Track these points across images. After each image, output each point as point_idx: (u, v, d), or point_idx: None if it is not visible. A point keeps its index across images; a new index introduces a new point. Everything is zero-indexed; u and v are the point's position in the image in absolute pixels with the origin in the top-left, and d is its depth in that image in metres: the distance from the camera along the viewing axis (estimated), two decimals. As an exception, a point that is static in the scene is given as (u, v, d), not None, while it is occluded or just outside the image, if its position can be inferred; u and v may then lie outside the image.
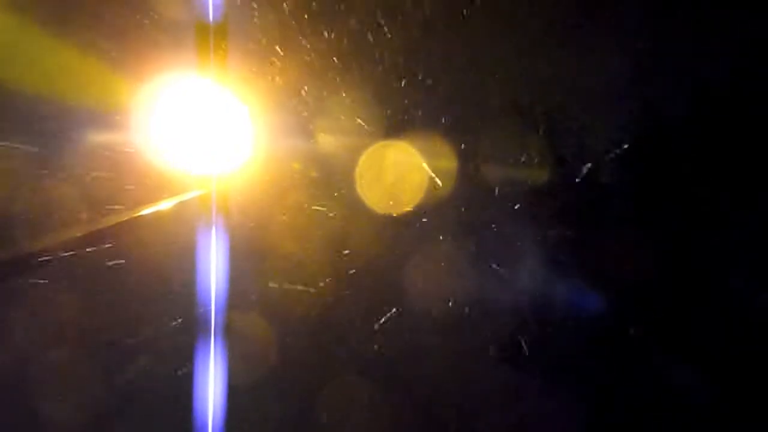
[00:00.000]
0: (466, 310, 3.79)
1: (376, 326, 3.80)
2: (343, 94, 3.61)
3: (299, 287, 3.75)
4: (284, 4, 3.43)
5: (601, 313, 3.79)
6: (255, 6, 3.43)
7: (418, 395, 3.82)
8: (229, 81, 3.43)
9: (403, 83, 3.60)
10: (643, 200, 3.71)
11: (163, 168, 3.40)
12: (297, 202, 3.73)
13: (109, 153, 3.35)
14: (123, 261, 3.40)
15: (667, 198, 3.67)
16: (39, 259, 2.79)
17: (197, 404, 3.49)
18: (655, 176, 3.68)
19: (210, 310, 3.50)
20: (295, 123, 3.64)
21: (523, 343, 3.82)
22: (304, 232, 3.76)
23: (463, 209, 3.79)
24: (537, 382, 3.82)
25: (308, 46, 3.50)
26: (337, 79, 3.58)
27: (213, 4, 3.28)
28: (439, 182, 3.72)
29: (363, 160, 3.70)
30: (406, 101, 3.65)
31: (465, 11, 3.55)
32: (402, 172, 3.76)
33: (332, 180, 3.74)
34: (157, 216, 3.09)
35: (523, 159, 3.73)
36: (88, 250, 3.27)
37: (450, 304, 3.80)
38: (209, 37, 3.30)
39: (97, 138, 3.37)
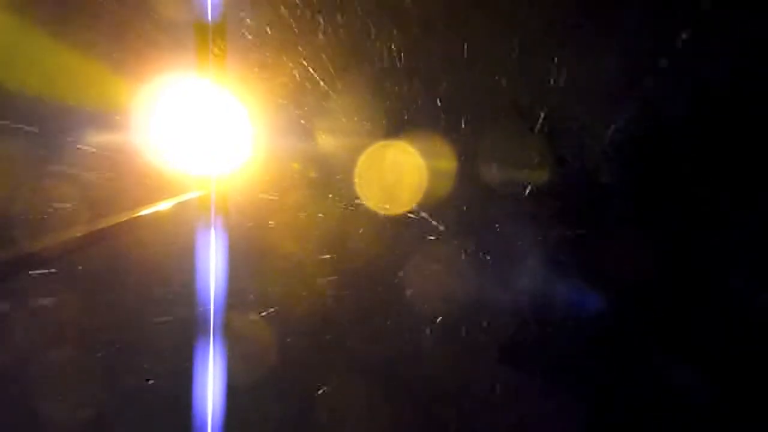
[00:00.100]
0: (466, 310, 3.79)
1: (376, 326, 3.80)
2: (343, 94, 3.61)
3: (299, 287, 3.75)
4: (284, 5, 3.42)
5: (601, 313, 3.79)
6: (254, 6, 3.43)
7: (418, 395, 3.82)
8: (228, 81, 3.43)
9: (403, 83, 3.60)
10: (643, 200, 3.70)
11: (163, 168, 3.40)
12: (296, 202, 3.73)
13: (109, 153, 3.35)
14: (123, 261, 3.41)
15: (667, 198, 3.67)
16: (39, 259, 2.79)
17: (197, 404, 3.49)
18: (655, 176, 3.68)
19: (209, 310, 3.50)
20: (295, 123, 3.64)
21: (523, 343, 3.82)
22: (304, 232, 3.76)
23: (463, 209, 3.79)
24: (537, 382, 3.82)
25: (308, 46, 3.50)
26: (337, 79, 3.58)
27: (212, 5, 3.28)
28: (439, 182, 3.72)
29: (363, 160, 3.70)
30: (406, 101, 3.64)
31: (465, 11, 3.55)
32: (402, 172, 3.76)
33: (332, 180, 3.75)
34: (157, 216, 3.09)
35: (523, 159, 3.73)
36: (88, 250, 3.28)
37: (450, 304, 3.80)
38: (208, 37, 3.30)
39: (97, 138, 3.37)
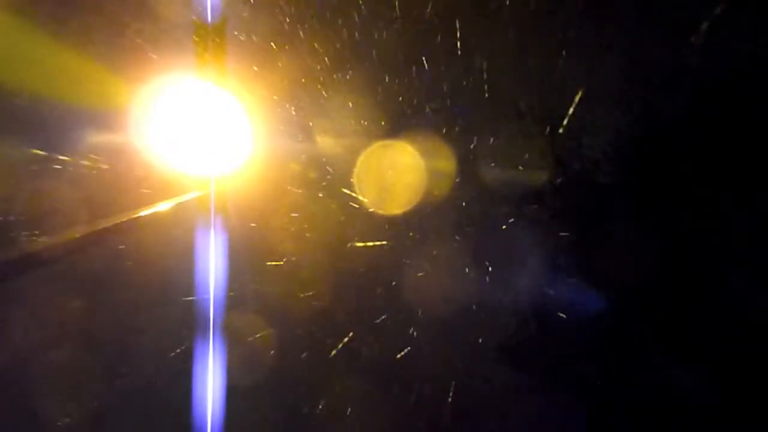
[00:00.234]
0: (466, 310, 3.79)
1: (375, 326, 3.80)
2: (343, 95, 3.61)
3: (298, 287, 3.76)
4: (283, 5, 3.42)
5: (601, 313, 3.79)
6: (253, 7, 3.43)
7: (418, 395, 3.82)
8: (227, 82, 3.43)
9: (402, 83, 3.60)
10: (643, 200, 3.70)
11: (163, 169, 3.40)
12: (296, 202, 3.73)
13: (109, 153, 3.36)
14: (122, 261, 3.41)
15: (667, 198, 3.67)
16: (39, 259, 2.79)
17: (196, 404, 3.50)
18: (655, 176, 3.67)
19: (209, 310, 3.50)
20: (294, 123, 3.64)
21: (523, 343, 3.82)
22: (303, 232, 3.76)
23: (463, 209, 3.79)
24: (537, 382, 3.82)
25: (307, 46, 3.50)
26: (336, 79, 3.58)
27: (212, 5, 3.28)
28: (438, 182, 3.72)
29: (362, 160, 3.70)
30: (406, 101, 3.64)
31: (465, 11, 3.55)
32: (402, 172, 3.76)
33: (332, 180, 3.75)
34: (157, 217, 3.10)
35: (523, 159, 3.72)
36: (88, 250, 3.28)
37: (450, 304, 3.80)
38: (208, 38, 3.30)
39: (97, 138, 3.37)
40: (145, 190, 3.36)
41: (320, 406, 3.76)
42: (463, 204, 3.77)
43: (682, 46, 3.45)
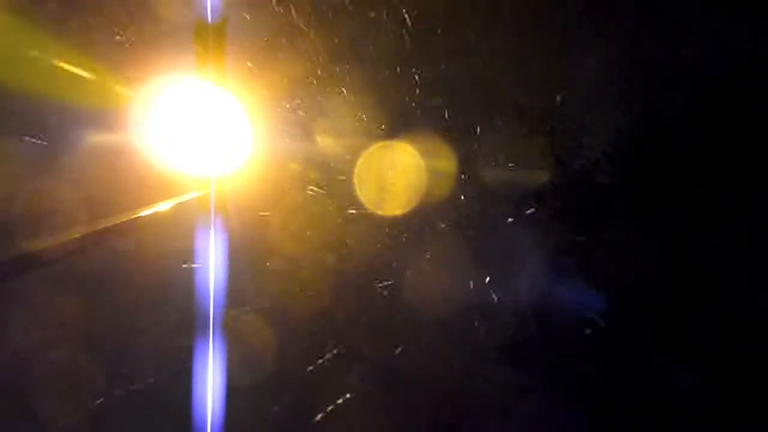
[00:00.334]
0: (466, 310, 3.79)
1: (375, 326, 3.80)
2: (343, 95, 3.61)
3: (298, 287, 3.76)
4: (283, 5, 3.43)
5: (601, 313, 3.79)
6: (253, 7, 3.43)
7: (418, 395, 3.82)
8: (227, 82, 3.43)
9: (402, 83, 3.60)
10: (643, 200, 3.70)
11: (163, 169, 3.40)
12: (295, 202, 3.73)
13: (108, 154, 3.36)
14: (123, 261, 3.41)
15: (667, 198, 3.67)
16: (39, 259, 2.79)
17: (196, 404, 3.50)
18: (655, 176, 3.67)
19: (209, 311, 3.50)
20: (294, 124, 3.64)
21: (523, 343, 3.82)
22: (303, 232, 3.76)
23: (463, 209, 3.79)
24: (537, 382, 3.82)
25: (307, 46, 3.50)
26: (336, 79, 3.58)
27: (212, 5, 3.28)
28: (438, 182, 3.72)
29: (362, 160, 3.70)
30: (406, 101, 3.64)
31: (465, 11, 3.55)
32: (402, 172, 3.76)
33: (331, 180, 3.75)
34: (156, 217, 3.10)
35: (523, 159, 3.72)
36: (88, 250, 3.28)
37: (450, 304, 3.80)
38: (208, 38, 3.30)
39: (97, 138, 3.37)
40: (145, 190, 3.36)
41: (320, 407, 3.76)
42: (463, 204, 3.77)
43: (682, 46, 3.46)
